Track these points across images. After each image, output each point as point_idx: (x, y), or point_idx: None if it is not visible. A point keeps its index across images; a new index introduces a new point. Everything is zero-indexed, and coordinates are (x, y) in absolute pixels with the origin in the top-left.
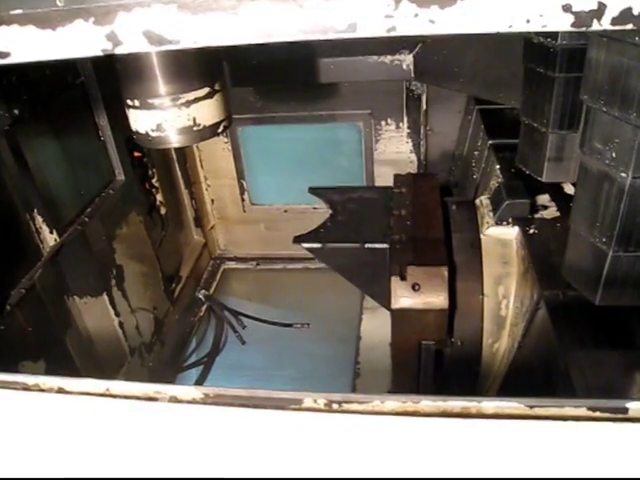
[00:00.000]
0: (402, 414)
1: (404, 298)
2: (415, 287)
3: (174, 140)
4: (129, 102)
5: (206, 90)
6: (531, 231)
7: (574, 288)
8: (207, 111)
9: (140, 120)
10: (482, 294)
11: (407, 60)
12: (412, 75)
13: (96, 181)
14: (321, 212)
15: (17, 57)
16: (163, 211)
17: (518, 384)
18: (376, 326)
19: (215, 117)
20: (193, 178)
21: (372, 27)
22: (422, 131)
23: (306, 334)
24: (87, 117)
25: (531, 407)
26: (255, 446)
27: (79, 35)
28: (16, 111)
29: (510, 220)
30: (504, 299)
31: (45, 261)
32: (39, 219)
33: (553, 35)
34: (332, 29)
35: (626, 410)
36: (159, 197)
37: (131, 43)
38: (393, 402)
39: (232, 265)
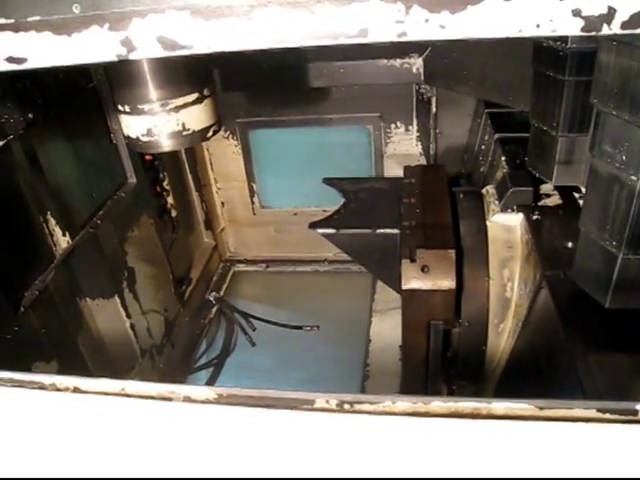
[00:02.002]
0: (413, 415)
1: (414, 279)
2: (424, 269)
3: (164, 145)
4: (120, 107)
5: (195, 96)
6: (534, 217)
7: None
8: (196, 116)
9: (131, 125)
10: (488, 277)
11: (417, 63)
12: (422, 78)
13: (108, 184)
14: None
15: (34, 63)
16: (174, 214)
17: (522, 363)
18: (385, 329)
19: (204, 122)
20: (203, 181)
21: (383, 32)
22: (432, 134)
23: (315, 336)
24: (99, 120)
25: (541, 408)
26: (268, 445)
27: (94, 41)
28: (30, 115)
29: (515, 207)
30: (509, 281)
31: (58, 263)
32: (52, 221)
33: (563, 38)
34: (343, 34)
35: (636, 412)
36: (170, 200)
37: (145, 49)
38: (404, 403)
39: (242, 267)
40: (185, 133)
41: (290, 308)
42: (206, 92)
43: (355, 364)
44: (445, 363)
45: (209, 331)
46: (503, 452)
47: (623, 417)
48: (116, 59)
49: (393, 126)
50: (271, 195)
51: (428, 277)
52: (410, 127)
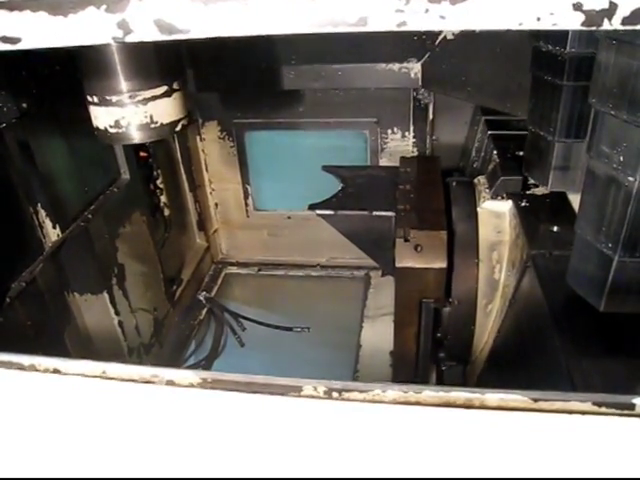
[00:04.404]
0: (403, 404)
1: (407, 258)
2: (417, 248)
3: (132, 137)
4: (89, 98)
5: (164, 89)
6: (523, 204)
7: (560, 249)
8: (164, 109)
9: (99, 116)
10: (477, 259)
11: (415, 68)
12: (420, 83)
13: (101, 179)
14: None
15: (28, 43)
16: (167, 213)
17: (509, 341)
18: (376, 335)
19: (172, 115)
20: (198, 181)
21: (383, 21)
22: (428, 141)
23: (306, 340)
24: None
25: (535, 400)
26: (252, 432)
27: (90, 22)
28: (24, 104)
29: (504, 195)
30: (497, 264)
31: (47, 256)
32: (42, 213)
33: (561, 43)
34: (343, 22)
35: (633, 406)
36: (163, 198)
37: (142, 31)
38: (394, 391)
39: (234, 270)
40: (153, 126)
41: (281, 312)
42: (175, 86)
43: (345, 369)
44: (435, 344)
45: (198, 332)
46: (496, 444)
47: (619, 411)
48: (112, 42)
49: (390, 131)
50: (265, 198)
51: (421, 256)
52: (407, 133)
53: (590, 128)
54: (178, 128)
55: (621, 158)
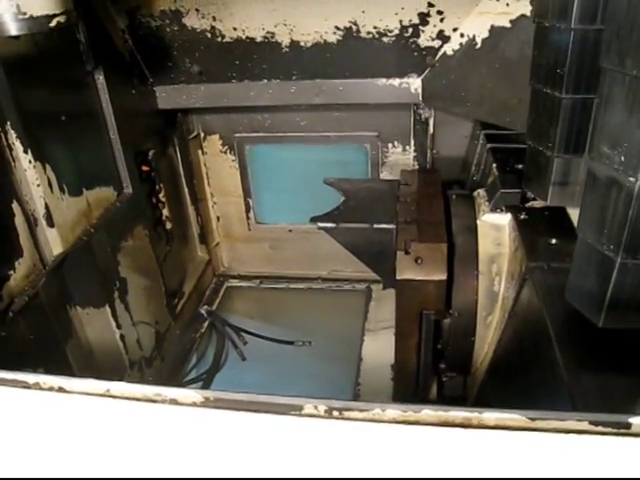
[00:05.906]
0: (403, 423)
1: (408, 270)
2: (418, 261)
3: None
4: None
5: None
6: (522, 217)
7: (558, 261)
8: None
9: None
10: (477, 271)
11: (415, 83)
12: (420, 99)
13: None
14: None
15: None
16: (169, 226)
17: (508, 352)
18: (377, 348)
19: (43, 8)
20: (199, 195)
21: None
22: (429, 155)
23: (307, 354)
24: (98, 129)
25: (532, 419)
26: (254, 451)
27: None
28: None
29: (503, 208)
30: (497, 276)
31: (49, 270)
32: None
33: (561, 55)
34: None
35: (629, 425)
36: (165, 212)
37: None
38: (394, 410)
39: (235, 283)
40: (22, 17)
41: (282, 325)
42: None
43: (346, 383)
44: (436, 355)
45: (200, 345)
46: (494, 463)
47: (615, 430)
48: None
49: (390, 145)
50: (267, 211)
51: (421, 268)
52: (407, 147)
53: (591, 129)
54: (53, 24)
55: (622, 158)
